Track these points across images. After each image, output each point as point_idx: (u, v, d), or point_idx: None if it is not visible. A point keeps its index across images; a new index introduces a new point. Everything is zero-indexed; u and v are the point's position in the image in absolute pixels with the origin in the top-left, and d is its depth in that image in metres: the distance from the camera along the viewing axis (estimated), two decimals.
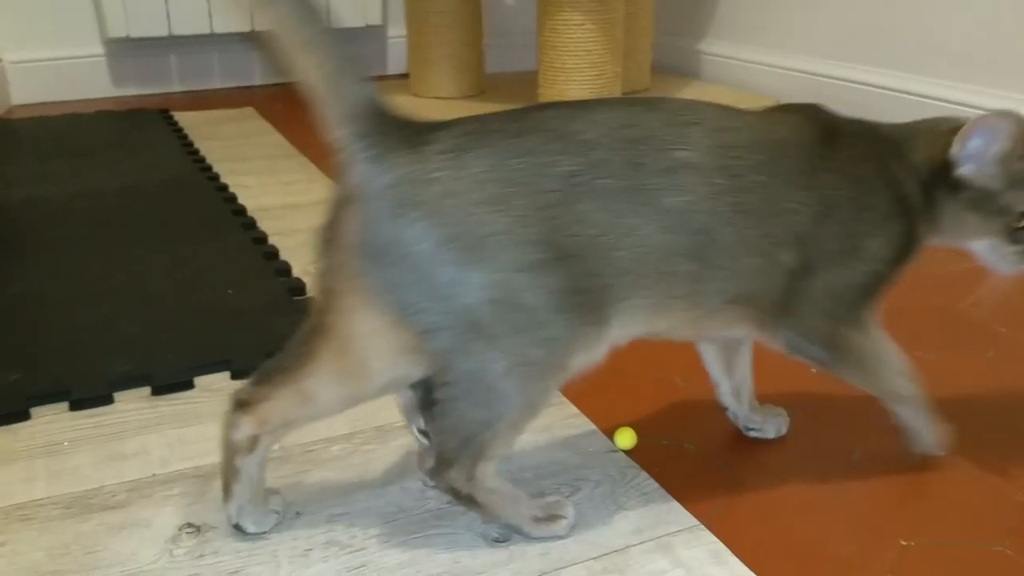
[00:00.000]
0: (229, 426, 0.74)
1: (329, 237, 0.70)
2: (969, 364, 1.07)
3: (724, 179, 0.71)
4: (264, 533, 0.76)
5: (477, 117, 0.70)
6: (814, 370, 1.02)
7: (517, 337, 0.67)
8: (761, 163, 0.73)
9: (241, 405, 0.74)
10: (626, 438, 0.89)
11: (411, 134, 0.68)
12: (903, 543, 0.76)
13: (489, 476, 0.74)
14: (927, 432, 0.86)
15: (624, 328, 0.73)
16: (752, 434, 0.91)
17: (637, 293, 0.71)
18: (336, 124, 0.67)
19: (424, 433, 0.82)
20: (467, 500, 0.74)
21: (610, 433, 0.91)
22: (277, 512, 0.77)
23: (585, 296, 0.69)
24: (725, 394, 0.91)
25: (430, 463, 0.75)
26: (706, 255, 0.71)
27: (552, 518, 0.76)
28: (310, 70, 0.67)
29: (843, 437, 0.92)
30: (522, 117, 0.70)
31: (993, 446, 0.90)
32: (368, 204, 0.67)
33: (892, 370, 0.84)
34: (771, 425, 0.91)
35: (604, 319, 0.71)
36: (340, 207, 0.69)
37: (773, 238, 0.73)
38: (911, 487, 0.84)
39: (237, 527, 0.76)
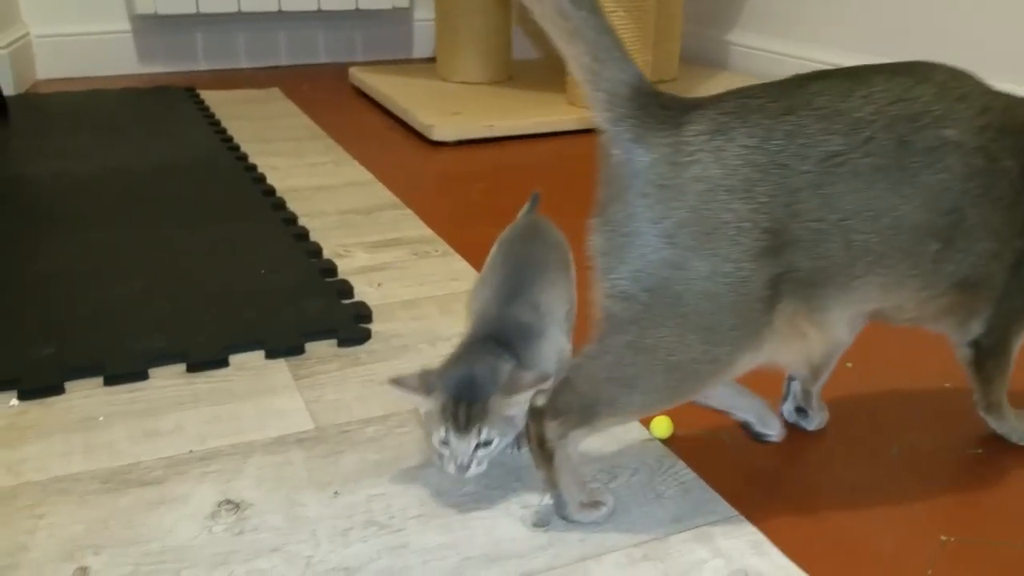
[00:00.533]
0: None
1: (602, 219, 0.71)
2: None
3: (981, 160, 0.71)
4: (302, 511, 0.76)
5: (740, 91, 0.70)
6: (849, 364, 1.01)
7: (705, 333, 0.68)
8: (1012, 147, 0.73)
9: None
10: (663, 427, 0.89)
11: (672, 114, 0.68)
12: (942, 539, 0.76)
13: (576, 443, 0.75)
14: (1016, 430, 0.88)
15: (849, 307, 0.73)
16: (796, 417, 0.91)
17: (875, 271, 0.71)
18: (600, 107, 0.68)
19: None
20: (546, 456, 0.74)
21: (647, 422, 0.90)
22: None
23: (793, 285, 0.69)
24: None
25: (541, 401, 0.74)
26: (952, 236, 0.71)
27: (594, 504, 0.76)
28: (575, 57, 0.68)
29: (880, 433, 0.91)
30: (787, 93, 0.69)
31: None
32: (626, 184, 0.68)
33: (1006, 381, 0.84)
34: (818, 416, 0.91)
35: (814, 307, 0.71)
36: (606, 188, 0.70)
37: (1012, 225, 0.74)
38: (950, 484, 0.83)
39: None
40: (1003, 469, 0.85)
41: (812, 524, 0.77)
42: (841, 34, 2.23)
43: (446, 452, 0.75)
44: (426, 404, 0.76)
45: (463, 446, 0.74)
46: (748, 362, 0.72)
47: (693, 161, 0.66)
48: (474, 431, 0.74)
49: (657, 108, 0.68)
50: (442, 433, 0.75)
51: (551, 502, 0.76)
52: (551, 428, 0.73)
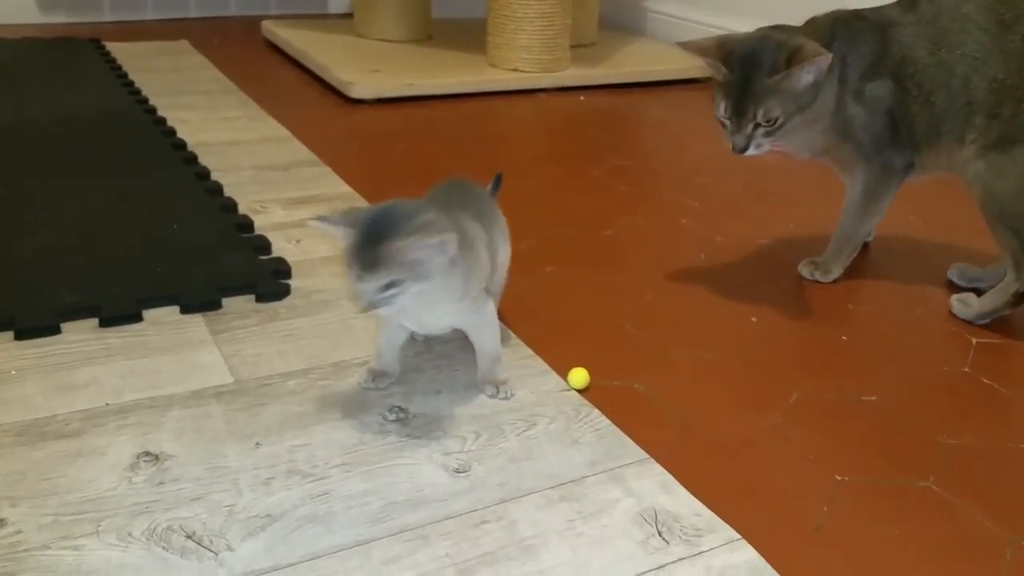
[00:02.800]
0: None
1: None
2: (901, 320, 1.13)
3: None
4: (223, 462, 0.77)
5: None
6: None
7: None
8: None
9: None
10: (579, 378, 0.92)
11: None
12: (838, 478, 0.81)
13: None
14: None
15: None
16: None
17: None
18: None
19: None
20: None
21: (563, 374, 0.93)
22: None
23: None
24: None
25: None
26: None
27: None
28: None
29: (780, 381, 0.96)
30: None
31: (920, 395, 0.96)
32: None
33: None
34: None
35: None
36: None
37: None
38: (844, 429, 0.89)
39: None
40: (892, 415, 0.91)
41: (718, 466, 0.82)
42: (760, 6, 2.29)
43: (356, 290, 0.76)
44: (343, 240, 0.76)
45: (368, 286, 0.75)
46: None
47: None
48: (381, 272, 0.74)
49: None
50: (352, 272, 0.75)
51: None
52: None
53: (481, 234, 0.87)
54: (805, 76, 1.02)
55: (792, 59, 1.01)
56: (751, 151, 1.05)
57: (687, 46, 1.08)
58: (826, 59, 1.01)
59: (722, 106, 1.05)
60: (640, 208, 1.43)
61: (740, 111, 1.03)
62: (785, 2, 2.19)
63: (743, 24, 2.36)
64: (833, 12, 1.10)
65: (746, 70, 1.02)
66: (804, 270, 1.21)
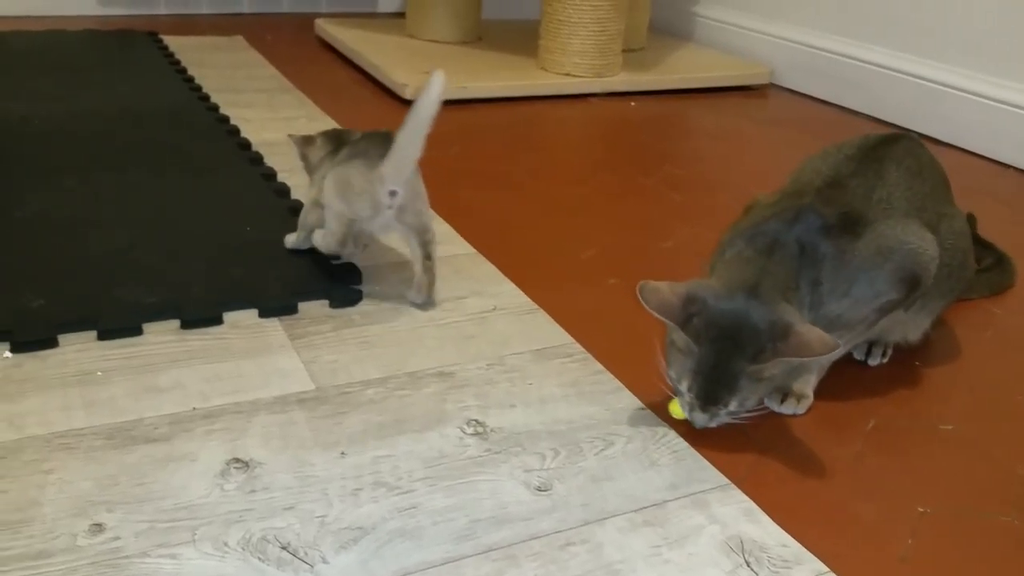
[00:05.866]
0: None
1: None
2: (971, 343, 1.12)
3: None
4: (312, 471, 0.78)
5: None
6: None
7: None
8: None
9: None
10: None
11: None
12: (920, 510, 0.81)
13: None
14: None
15: None
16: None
17: None
18: None
19: None
20: None
21: (635, 390, 0.93)
22: None
23: None
24: None
25: None
26: None
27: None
28: None
29: (857, 408, 0.96)
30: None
31: (996, 422, 0.95)
32: None
33: None
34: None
35: None
36: None
37: None
38: (923, 459, 0.89)
39: None
40: (969, 444, 0.91)
41: (797, 493, 0.82)
42: (809, 13, 2.27)
43: None
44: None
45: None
46: None
47: None
48: None
49: None
50: None
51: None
52: None
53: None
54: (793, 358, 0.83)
55: (778, 342, 0.81)
56: (712, 425, 0.87)
57: (644, 293, 0.84)
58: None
59: (684, 383, 0.85)
60: (698, 219, 1.42)
61: (709, 397, 0.84)
62: (835, 13, 2.18)
63: (791, 32, 2.36)
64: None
65: (720, 352, 0.82)
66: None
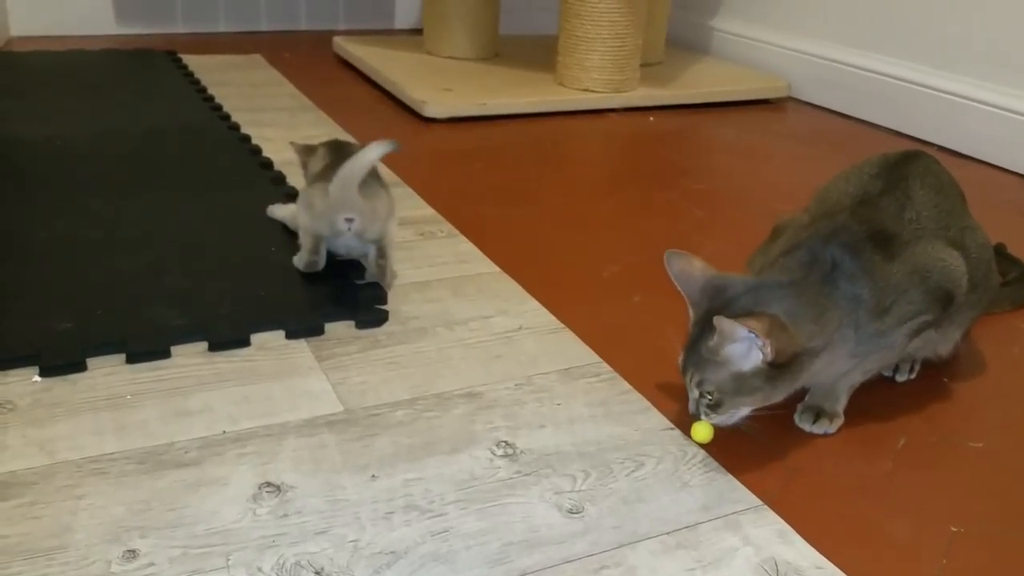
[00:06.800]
0: None
1: None
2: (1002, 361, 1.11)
3: None
4: (343, 494, 0.78)
5: None
6: None
7: None
8: None
9: None
10: (704, 431, 0.88)
11: None
12: (953, 529, 0.80)
13: None
14: None
15: None
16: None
17: None
18: None
19: None
20: None
21: (663, 408, 0.93)
22: None
23: None
24: None
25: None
26: None
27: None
28: None
29: (888, 426, 0.95)
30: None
31: None
32: None
33: None
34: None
35: None
36: None
37: None
38: (954, 476, 0.88)
39: None
40: (1002, 462, 0.90)
41: (829, 512, 0.81)
42: (825, 26, 2.27)
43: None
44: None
45: None
46: None
47: None
48: None
49: None
50: None
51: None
52: None
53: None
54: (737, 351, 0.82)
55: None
56: (696, 413, 0.87)
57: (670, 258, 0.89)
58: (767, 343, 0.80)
59: (681, 355, 0.87)
60: (721, 234, 1.42)
61: (684, 367, 0.86)
62: (851, 25, 2.18)
63: (807, 45, 2.36)
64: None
65: (699, 323, 0.85)
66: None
